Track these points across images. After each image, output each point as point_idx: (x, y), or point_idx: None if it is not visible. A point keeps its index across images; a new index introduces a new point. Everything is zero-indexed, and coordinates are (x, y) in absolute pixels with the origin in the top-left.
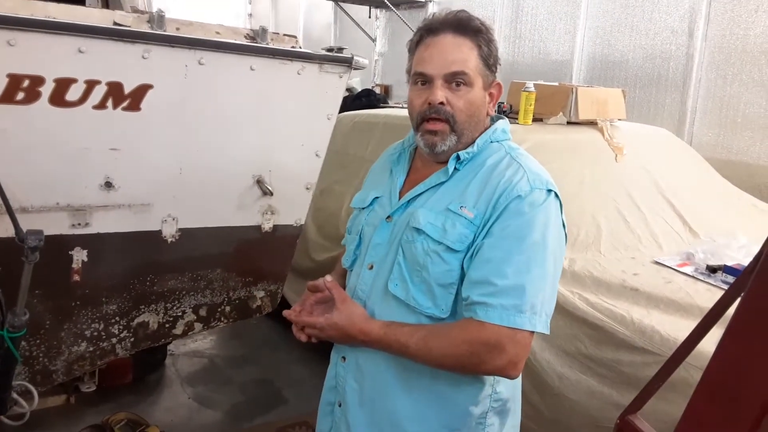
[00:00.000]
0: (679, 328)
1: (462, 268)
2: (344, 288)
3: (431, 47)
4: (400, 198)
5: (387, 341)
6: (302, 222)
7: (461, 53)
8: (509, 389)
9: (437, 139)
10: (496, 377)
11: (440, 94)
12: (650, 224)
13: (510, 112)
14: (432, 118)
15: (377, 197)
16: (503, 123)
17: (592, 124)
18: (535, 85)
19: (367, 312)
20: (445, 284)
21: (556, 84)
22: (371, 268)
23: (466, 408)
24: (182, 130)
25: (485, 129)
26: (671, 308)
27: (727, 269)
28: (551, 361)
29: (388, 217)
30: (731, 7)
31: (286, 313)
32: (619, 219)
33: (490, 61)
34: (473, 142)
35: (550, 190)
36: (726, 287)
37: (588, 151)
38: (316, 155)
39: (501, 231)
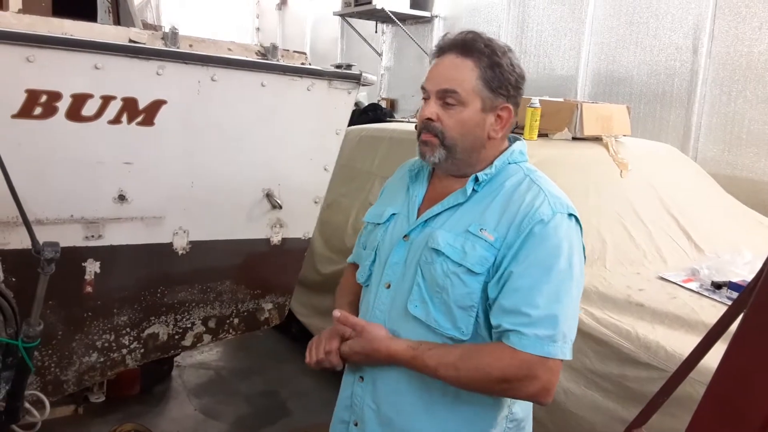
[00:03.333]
0: (684, 344)
1: (484, 291)
2: (358, 307)
3: (435, 66)
4: (417, 216)
5: (415, 365)
6: (310, 235)
7: (458, 73)
8: (524, 409)
9: (427, 150)
10: None
11: (429, 110)
12: (655, 240)
13: (515, 128)
14: (424, 132)
15: (394, 214)
16: (521, 144)
17: (597, 139)
18: (540, 100)
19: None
20: (465, 306)
21: (561, 100)
22: (389, 287)
23: (484, 429)
24: (194, 145)
25: (503, 150)
26: (676, 324)
27: (732, 285)
28: None
29: (406, 236)
30: (735, 24)
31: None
32: (624, 234)
33: (493, 84)
34: (485, 162)
35: (571, 215)
36: (731, 303)
37: (593, 166)
38: (325, 169)
39: (527, 258)
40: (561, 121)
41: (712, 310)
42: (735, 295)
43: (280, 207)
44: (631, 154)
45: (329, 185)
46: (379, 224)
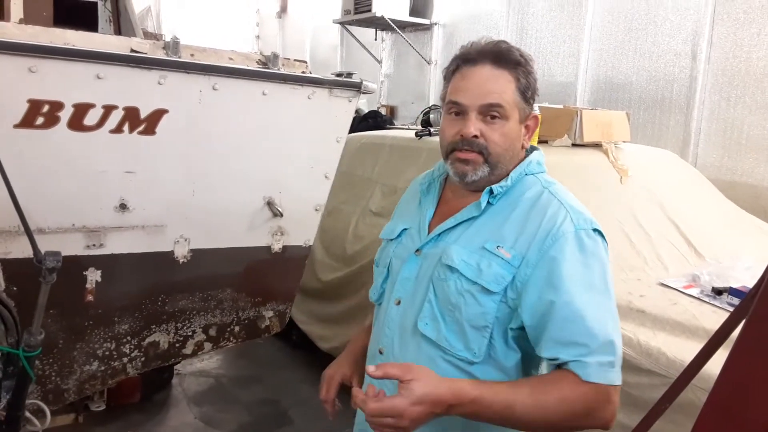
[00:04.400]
0: (686, 350)
1: (500, 311)
2: (370, 333)
3: (468, 77)
4: (429, 231)
5: (487, 401)
6: (311, 243)
7: (498, 85)
8: None
9: (468, 168)
10: None
11: (474, 126)
12: (656, 246)
13: None
14: (464, 149)
15: (406, 229)
16: (538, 155)
17: (596, 146)
18: (540, 107)
19: (395, 352)
20: (479, 327)
21: (561, 106)
22: (398, 303)
23: None
24: (195, 154)
25: (520, 161)
26: (677, 330)
27: (733, 291)
28: None
29: (417, 250)
30: (734, 30)
31: (357, 401)
32: (624, 241)
33: (528, 94)
34: (507, 174)
35: (596, 230)
36: (732, 309)
37: (593, 173)
38: (326, 177)
39: (563, 283)
40: (561, 127)
41: (713, 316)
42: (736, 300)
43: (281, 215)
44: (630, 160)
45: (330, 193)
46: (391, 240)
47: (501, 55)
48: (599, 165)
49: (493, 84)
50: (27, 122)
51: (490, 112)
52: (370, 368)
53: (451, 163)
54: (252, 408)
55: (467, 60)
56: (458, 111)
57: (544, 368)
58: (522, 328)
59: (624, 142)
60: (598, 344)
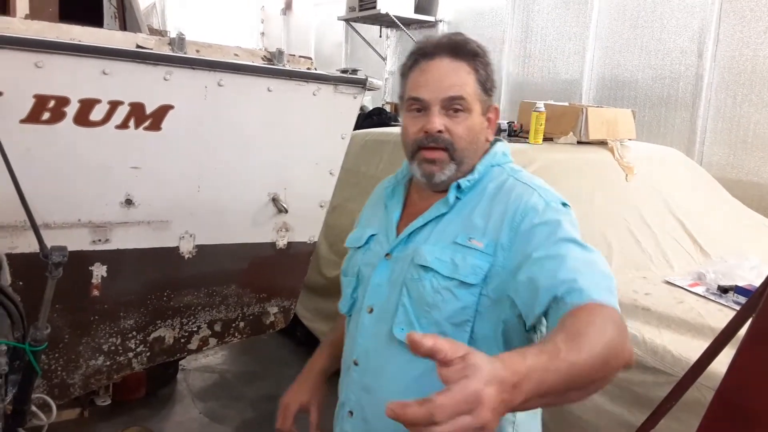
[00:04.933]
0: (691, 348)
1: (479, 303)
2: (329, 354)
3: (427, 72)
4: (398, 234)
5: (542, 363)
6: (316, 239)
7: (459, 77)
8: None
9: (435, 169)
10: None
11: (438, 121)
12: (661, 244)
13: (521, 132)
14: (430, 147)
15: (373, 235)
16: (502, 146)
17: (602, 143)
18: (545, 105)
19: (370, 363)
20: (459, 323)
21: (566, 104)
22: (371, 311)
23: None
24: (201, 149)
25: (485, 154)
26: (683, 328)
27: (739, 290)
28: None
29: (387, 254)
30: (740, 28)
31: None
32: (629, 239)
33: (487, 85)
34: (473, 168)
35: (564, 204)
36: (737, 308)
37: (598, 170)
38: (330, 173)
39: (534, 240)
40: (566, 125)
41: (718, 315)
42: (742, 299)
43: (286, 211)
44: (636, 158)
45: (335, 189)
46: (359, 248)
47: (458, 47)
48: (605, 163)
49: (454, 76)
50: (33, 117)
51: (453, 106)
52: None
53: (417, 164)
54: (256, 404)
55: (424, 54)
56: (420, 107)
57: None
58: (514, 319)
59: (629, 139)
60: (591, 273)
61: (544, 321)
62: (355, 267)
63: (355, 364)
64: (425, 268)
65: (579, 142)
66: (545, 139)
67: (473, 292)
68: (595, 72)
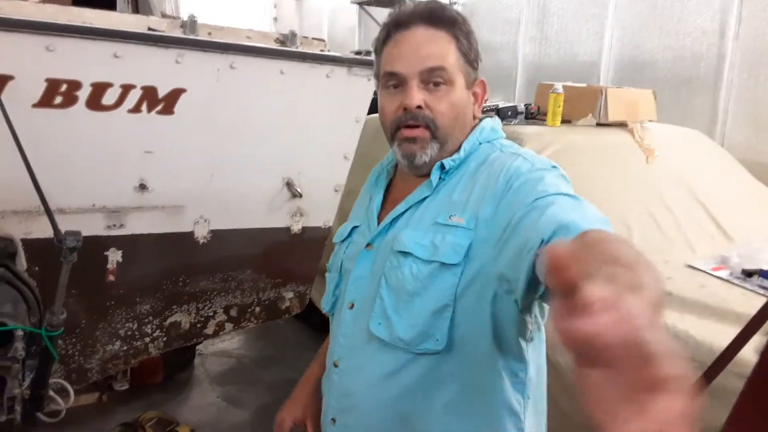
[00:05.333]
0: (715, 333)
1: (458, 285)
2: (323, 364)
3: (401, 43)
4: (379, 222)
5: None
6: (330, 224)
7: (438, 47)
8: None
9: (416, 148)
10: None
11: (417, 96)
12: (683, 227)
13: (538, 114)
14: (409, 125)
15: (356, 226)
16: (491, 121)
17: (622, 125)
18: (563, 86)
19: (350, 363)
20: (440, 308)
21: (585, 85)
22: (352, 307)
23: None
24: (214, 133)
25: (471, 130)
26: (706, 313)
27: (764, 273)
28: None
29: (368, 244)
30: (763, 7)
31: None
32: (650, 222)
33: (470, 56)
34: (459, 148)
35: (555, 167)
36: (762, 292)
37: (618, 152)
38: (345, 158)
39: (522, 200)
40: (585, 106)
41: (742, 299)
42: (767, 283)
43: (300, 195)
44: (657, 139)
45: (349, 173)
46: (342, 241)
47: (434, 14)
48: (625, 145)
49: (432, 46)
50: (45, 102)
51: (433, 79)
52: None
53: (397, 144)
54: (273, 388)
55: (398, 25)
56: (396, 83)
57: (530, 353)
58: (504, 298)
59: (650, 121)
60: (582, 211)
61: (537, 301)
62: (338, 262)
63: (335, 365)
64: (404, 254)
65: (598, 124)
66: (563, 122)
67: (455, 273)
68: (614, 53)
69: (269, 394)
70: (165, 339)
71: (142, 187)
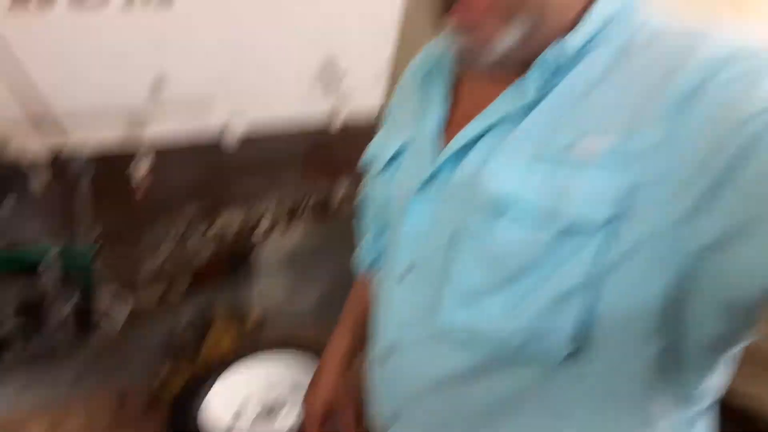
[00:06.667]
0: None
1: (599, 257)
2: (353, 332)
3: None
4: (444, 146)
5: None
6: (375, 114)
7: None
8: None
9: (475, 41)
10: None
11: None
12: None
13: None
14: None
15: (403, 147)
16: None
17: None
18: None
19: (402, 360)
20: (565, 293)
21: None
22: (406, 275)
23: None
24: (226, 21)
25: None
26: None
27: None
28: None
29: (427, 181)
30: None
31: None
32: None
33: None
34: (567, 29)
35: None
36: None
37: None
38: (386, 37)
39: (734, 117)
40: None
41: None
42: None
43: (340, 83)
44: None
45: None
46: (383, 169)
47: None
48: None
49: None
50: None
51: None
52: None
53: (450, 35)
54: (331, 278)
55: None
56: None
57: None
58: (688, 309)
59: None
60: None
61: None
62: (379, 200)
63: (384, 357)
64: (499, 203)
65: None
66: None
67: (592, 241)
68: None
69: (328, 284)
70: (218, 240)
71: (159, 85)
